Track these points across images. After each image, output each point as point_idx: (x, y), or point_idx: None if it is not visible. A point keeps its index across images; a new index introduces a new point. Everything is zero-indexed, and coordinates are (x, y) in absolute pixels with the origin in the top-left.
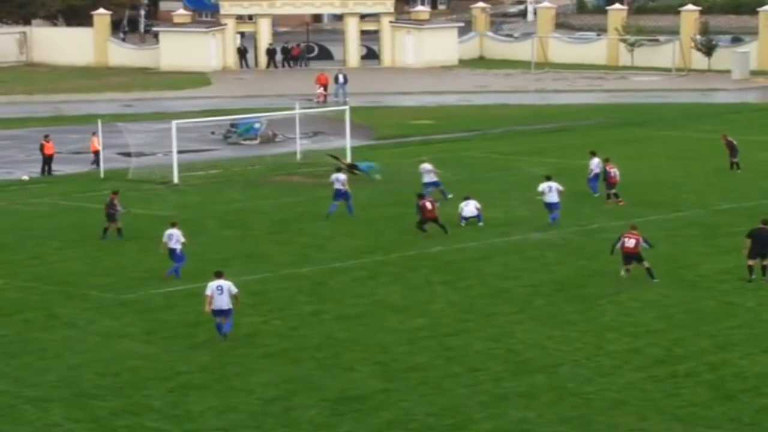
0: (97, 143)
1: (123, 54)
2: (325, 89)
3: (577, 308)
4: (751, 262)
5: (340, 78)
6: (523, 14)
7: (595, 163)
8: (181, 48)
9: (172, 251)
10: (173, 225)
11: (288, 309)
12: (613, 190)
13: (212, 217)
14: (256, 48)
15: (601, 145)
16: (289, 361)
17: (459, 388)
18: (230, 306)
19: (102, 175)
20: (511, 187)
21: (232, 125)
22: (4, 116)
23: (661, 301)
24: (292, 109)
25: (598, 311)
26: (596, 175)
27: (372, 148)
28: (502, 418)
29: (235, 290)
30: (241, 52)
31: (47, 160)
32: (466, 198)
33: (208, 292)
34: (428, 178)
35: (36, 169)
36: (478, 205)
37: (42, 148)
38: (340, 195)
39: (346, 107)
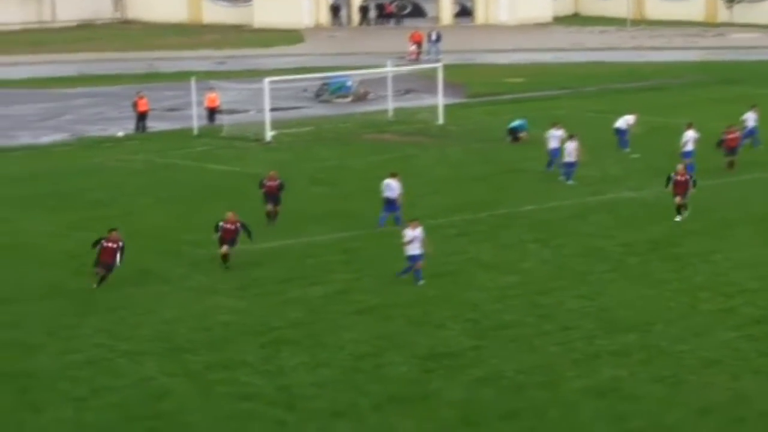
0: (213, 100)
1: (217, 11)
2: (419, 47)
3: (671, 267)
4: None
5: (433, 36)
6: None
7: (690, 136)
8: (275, 5)
9: (388, 201)
10: (393, 175)
11: (379, 266)
12: (732, 157)
13: (303, 175)
14: (349, 5)
15: (697, 104)
16: (380, 317)
17: (550, 346)
18: (419, 252)
19: (195, 131)
20: (605, 146)
21: (325, 83)
22: (99, 73)
23: (755, 261)
24: (385, 67)
25: (691, 270)
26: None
27: (464, 106)
28: (594, 376)
29: (422, 235)
30: (335, 9)
31: (141, 117)
32: (555, 125)
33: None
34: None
35: (129, 126)
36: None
37: (135, 105)
38: (565, 166)
39: (439, 65)
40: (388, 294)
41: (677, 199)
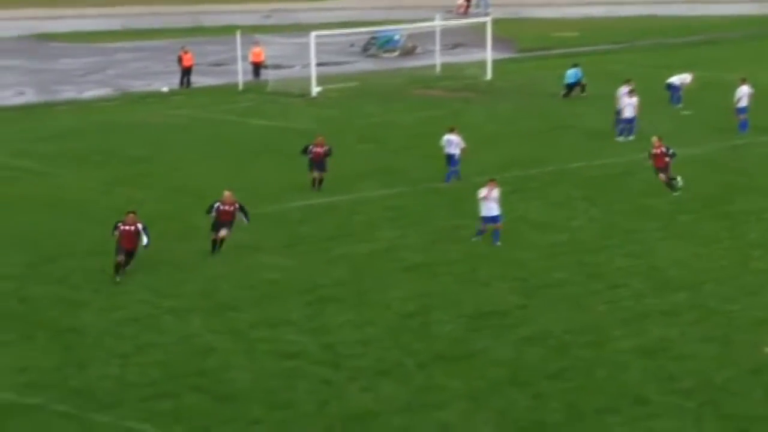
0: (258, 54)
1: None
2: (468, 0)
3: (723, 225)
4: None
5: None
6: None
7: (744, 92)
8: None
9: (449, 157)
10: (451, 130)
11: (426, 224)
12: None
13: (350, 131)
14: None
15: (751, 58)
16: (427, 275)
17: (598, 304)
18: (498, 213)
19: (241, 87)
20: (657, 102)
21: (372, 37)
22: (143, 27)
23: None
24: (433, 20)
25: (744, 228)
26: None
27: (514, 60)
28: (643, 335)
29: (498, 196)
30: None
31: (186, 72)
32: (627, 82)
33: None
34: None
35: (174, 81)
36: (634, 102)
37: (180, 59)
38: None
39: (488, 19)
40: (435, 252)
41: (661, 176)
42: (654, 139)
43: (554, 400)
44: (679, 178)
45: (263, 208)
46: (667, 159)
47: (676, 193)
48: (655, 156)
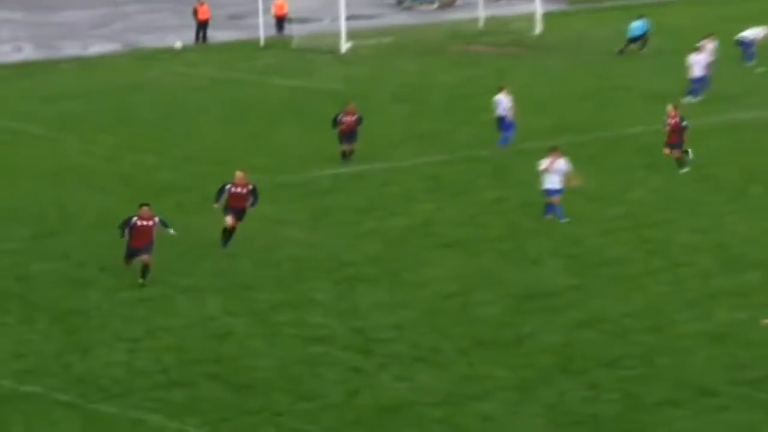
0: (282, 6)
1: None
2: None
3: None
4: None
5: None
6: None
7: None
8: None
9: (500, 119)
10: (501, 90)
11: (466, 195)
12: None
13: (383, 91)
14: None
15: None
16: (468, 252)
17: (660, 285)
18: (561, 186)
19: (262, 42)
20: (726, 59)
21: None
22: None
23: None
24: None
25: None
26: None
27: (565, 13)
28: (709, 319)
29: (565, 167)
30: None
31: (202, 26)
32: (708, 36)
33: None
34: (748, 35)
35: (189, 36)
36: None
37: (195, 12)
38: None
39: None
40: (477, 226)
41: (667, 150)
42: (669, 107)
43: (610, 391)
44: (690, 151)
45: (286, 178)
46: (681, 128)
47: (684, 170)
48: (669, 126)
